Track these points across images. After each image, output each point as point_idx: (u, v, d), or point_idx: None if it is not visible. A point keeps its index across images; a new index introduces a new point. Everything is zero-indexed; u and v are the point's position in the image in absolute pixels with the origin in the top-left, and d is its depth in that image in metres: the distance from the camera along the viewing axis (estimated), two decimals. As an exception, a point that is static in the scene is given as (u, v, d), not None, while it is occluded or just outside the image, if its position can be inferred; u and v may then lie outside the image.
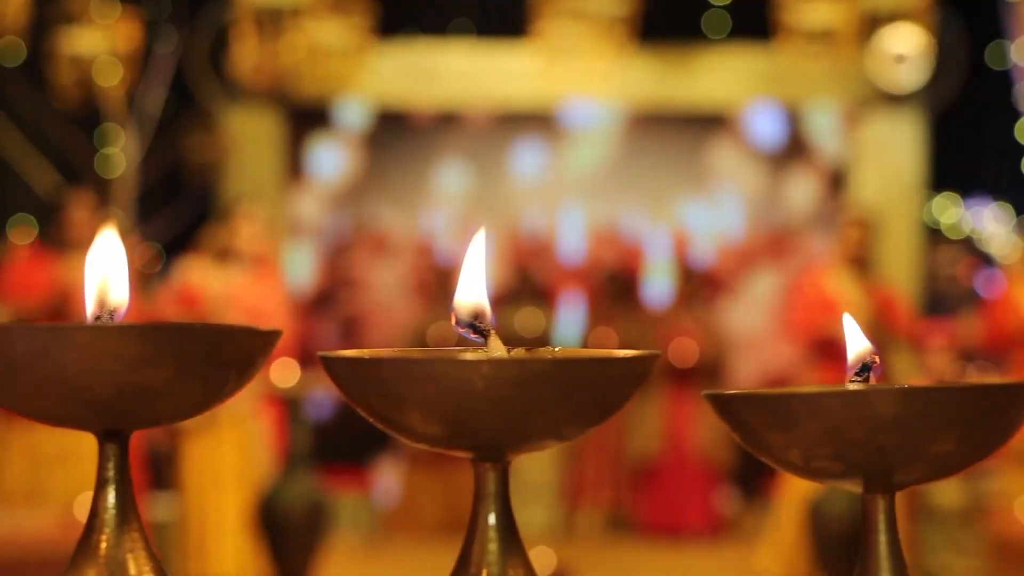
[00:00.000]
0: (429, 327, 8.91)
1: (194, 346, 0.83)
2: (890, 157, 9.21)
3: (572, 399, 0.82)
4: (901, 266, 9.29)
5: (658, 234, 10.05)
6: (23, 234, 8.27)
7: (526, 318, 8.91)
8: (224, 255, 6.21)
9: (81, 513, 5.85)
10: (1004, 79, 9.28)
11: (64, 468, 5.97)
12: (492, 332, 0.91)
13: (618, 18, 7.77)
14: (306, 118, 9.80)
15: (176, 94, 9.24)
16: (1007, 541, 5.63)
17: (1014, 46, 8.99)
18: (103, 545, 0.86)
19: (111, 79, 8.35)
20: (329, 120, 10.11)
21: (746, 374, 9.63)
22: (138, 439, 6.31)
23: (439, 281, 9.21)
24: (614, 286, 9.24)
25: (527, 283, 9.15)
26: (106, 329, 0.81)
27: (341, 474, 8.57)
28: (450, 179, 10.20)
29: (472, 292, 0.93)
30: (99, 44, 8.04)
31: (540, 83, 9.31)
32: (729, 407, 0.87)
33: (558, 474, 8.93)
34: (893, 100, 9.21)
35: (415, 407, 0.82)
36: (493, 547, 0.86)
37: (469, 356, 0.82)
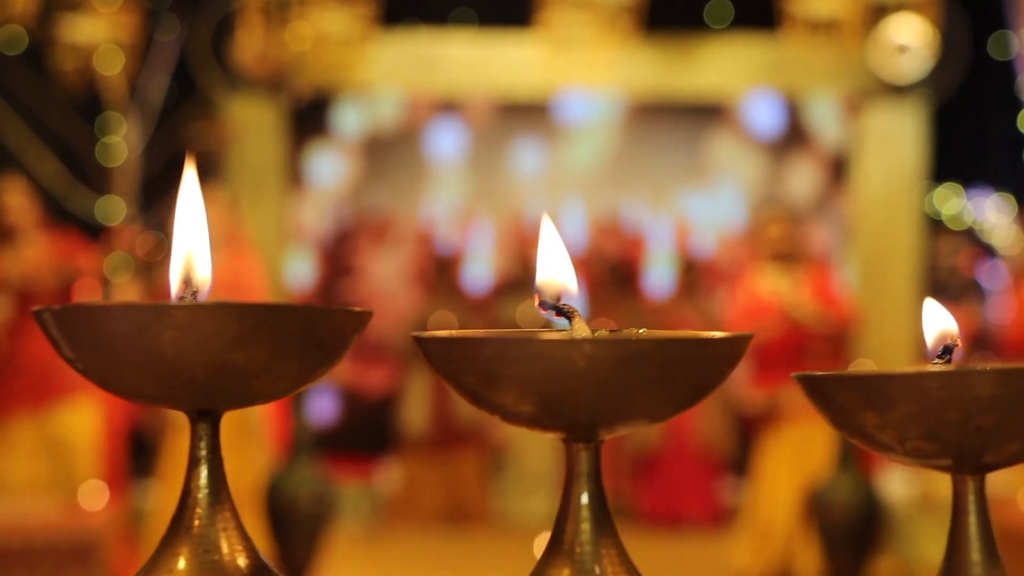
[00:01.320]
0: (430, 316, 8.91)
1: (292, 326, 0.83)
2: (892, 148, 9.21)
3: (671, 379, 0.83)
4: (902, 257, 9.29)
5: (659, 225, 10.06)
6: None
7: (528, 309, 8.91)
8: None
9: (86, 501, 5.85)
10: (1007, 70, 9.28)
11: (67, 457, 5.96)
12: (577, 314, 0.91)
13: (623, 7, 7.77)
14: (309, 106, 9.78)
15: (178, 83, 9.22)
16: (1009, 532, 5.64)
17: (1016, 37, 9.00)
18: (196, 524, 0.86)
19: (113, 67, 8.33)
20: (331, 109, 10.09)
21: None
22: (124, 425, 6.28)
23: (439, 270, 9.21)
24: (615, 276, 9.25)
25: (529, 273, 9.17)
26: (206, 308, 0.81)
27: (342, 464, 8.56)
28: (451, 169, 10.20)
29: (555, 273, 0.93)
30: (101, 32, 8.02)
31: (543, 73, 9.30)
32: (821, 388, 0.87)
33: (558, 463, 8.94)
34: (895, 91, 9.21)
35: (513, 386, 0.82)
36: (586, 526, 0.86)
37: (569, 335, 0.82)
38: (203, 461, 0.87)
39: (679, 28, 9.33)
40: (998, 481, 6.89)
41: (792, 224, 6.53)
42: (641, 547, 7.92)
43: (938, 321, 0.95)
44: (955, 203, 9.30)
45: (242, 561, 0.85)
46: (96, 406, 5.98)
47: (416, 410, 8.72)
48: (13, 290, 5.81)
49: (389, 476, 9.01)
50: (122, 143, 8.92)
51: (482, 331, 0.85)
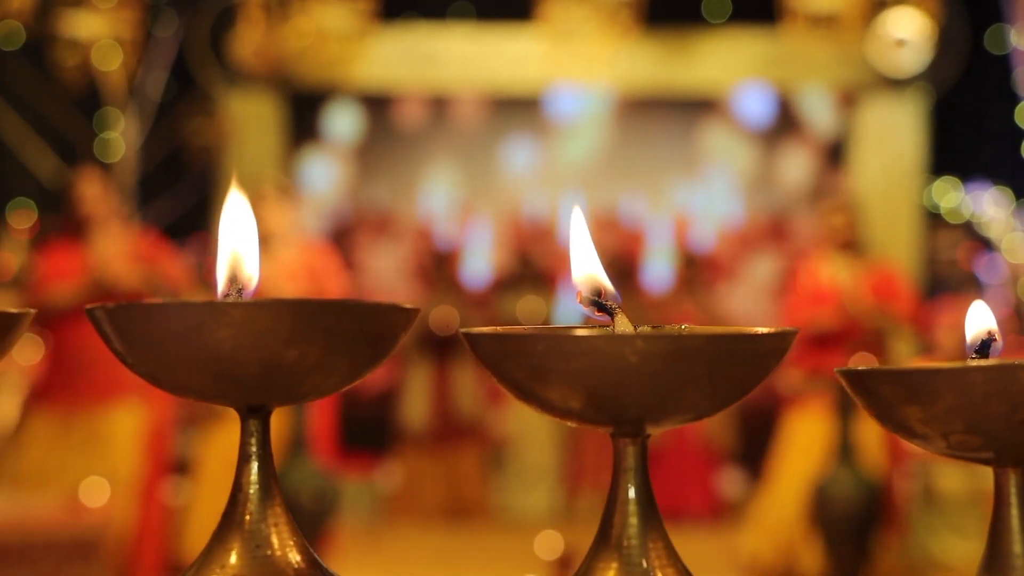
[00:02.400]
0: (431, 311, 8.91)
1: (344, 322, 0.84)
2: (890, 141, 9.23)
3: (719, 374, 0.84)
4: (901, 250, 9.31)
5: (658, 219, 10.06)
6: (22, 218, 8.24)
7: (527, 304, 8.92)
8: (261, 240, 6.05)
9: (87, 497, 5.85)
10: (1004, 63, 9.29)
11: (72, 453, 5.94)
12: (619, 309, 0.92)
13: (623, 2, 7.77)
14: (307, 101, 9.77)
15: (176, 78, 9.22)
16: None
17: (1014, 30, 9.01)
18: (247, 519, 0.87)
19: (111, 63, 8.33)
20: (329, 104, 10.08)
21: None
22: (170, 424, 6.26)
23: (439, 265, 9.21)
24: (614, 271, 9.25)
25: (527, 268, 9.16)
26: (261, 305, 0.82)
27: (343, 459, 8.57)
28: (449, 164, 10.19)
29: (587, 269, 0.94)
30: (100, 28, 8.02)
31: (542, 68, 9.31)
32: (864, 382, 0.88)
33: (559, 458, 8.95)
34: (894, 84, 9.23)
35: (563, 381, 0.83)
36: (633, 520, 0.87)
37: (621, 331, 0.83)
38: (253, 457, 0.88)
39: (678, 22, 9.34)
40: (992, 473, 6.90)
41: (854, 213, 6.53)
42: (642, 541, 7.92)
43: (980, 319, 0.96)
44: (953, 196, 9.31)
45: (293, 557, 0.86)
46: (143, 405, 5.96)
47: (416, 406, 8.73)
48: (93, 284, 5.75)
49: (390, 472, 9.02)
50: (120, 139, 8.92)
51: (531, 327, 0.86)
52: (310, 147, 10.22)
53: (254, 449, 0.87)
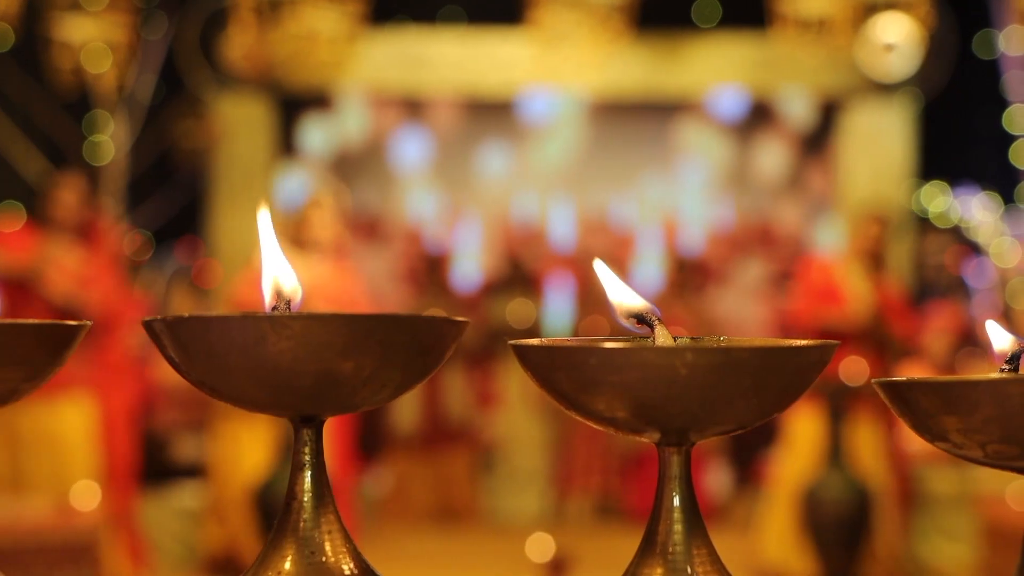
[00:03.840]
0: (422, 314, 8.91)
1: (399, 335, 0.86)
2: (879, 146, 9.26)
3: (765, 386, 0.86)
4: (889, 254, 9.32)
5: (647, 222, 10.08)
6: (10, 221, 8.21)
7: (517, 308, 8.93)
8: (301, 245, 6.03)
9: (77, 502, 5.84)
10: (993, 68, 9.34)
11: (50, 456, 5.90)
12: (658, 322, 0.94)
13: (614, 7, 7.79)
14: (297, 105, 9.77)
15: (166, 81, 9.20)
16: (998, 528, 5.69)
17: (1002, 35, 9.06)
18: (301, 527, 0.89)
19: (101, 65, 8.31)
20: (320, 108, 10.07)
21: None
22: (126, 423, 6.23)
23: (429, 268, 9.21)
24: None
25: (517, 271, 9.16)
26: (319, 319, 0.84)
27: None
28: (437, 167, 10.19)
29: (624, 288, 0.96)
30: (89, 30, 7.99)
31: (531, 72, 9.33)
32: (903, 393, 0.90)
33: (548, 461, 8.96)
34: (882, 89, 9.26)
35: (613, 393, 0.84)
36: (679, 527, 0.89)
37: (669, 343, 0.85)
38: (307, 466, 0.90)
39: (668, 27, 9.36)
40: (986, 477, 6.93)
41: (888, 228, 6.61)
42: (631, 544, 7.93)
43: (1002, 335, 0.98)
44: (942, 201, 9.35)
45: (346, 564, 0.88)
46: (92, 402, 5.94)
47: (406, 409, 8.73)
48: (27, 271, 5.74)
49: (380, 476, 9.02)
50: (109, 141, 8.90)
51: (580, 339, 0.88)
52: (299, 150, 10.21)
53: (308, 458, 0.89)
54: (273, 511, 5.64)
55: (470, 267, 10.04)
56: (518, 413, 8.83)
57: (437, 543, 8.20)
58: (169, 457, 7.19)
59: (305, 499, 0.89)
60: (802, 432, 6.33)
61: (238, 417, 6.29)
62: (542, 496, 8.90)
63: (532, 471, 8.88)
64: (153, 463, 7.01)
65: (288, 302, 0.92)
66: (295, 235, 6.03)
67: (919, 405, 0.89)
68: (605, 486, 8.84)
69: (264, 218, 0.97)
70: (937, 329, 7.44)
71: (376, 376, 0.86)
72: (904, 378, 0.89)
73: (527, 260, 9.32)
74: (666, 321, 0.95)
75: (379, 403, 0.89)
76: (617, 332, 0.99)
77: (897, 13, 8.23)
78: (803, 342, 0.89)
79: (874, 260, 6.46)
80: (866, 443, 6.12)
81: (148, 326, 0.87)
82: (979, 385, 0.86)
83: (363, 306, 5.97)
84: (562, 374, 0.86)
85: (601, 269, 0.99)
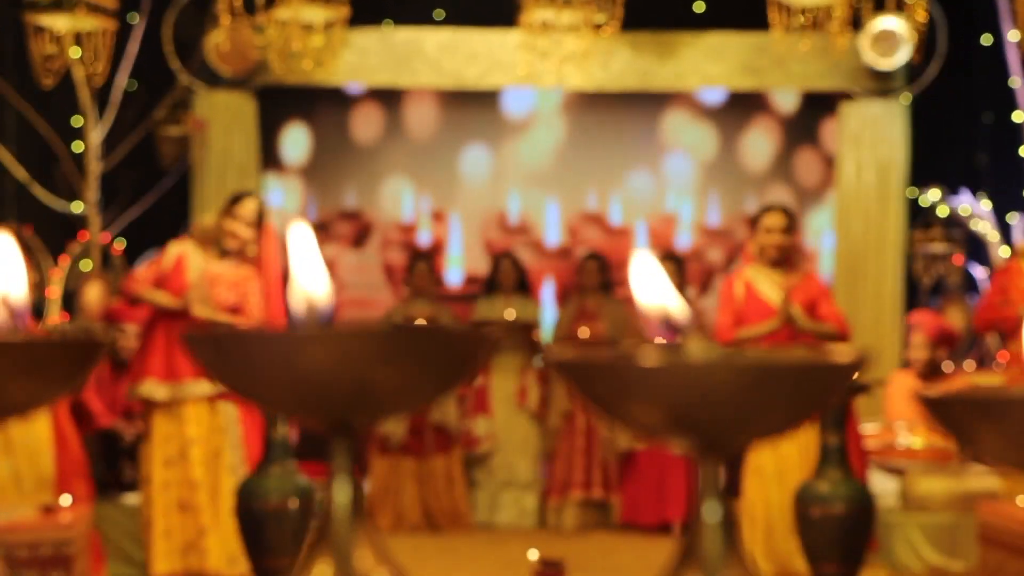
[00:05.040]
0: (397, 311, 8.89)
1: (433, 348, 0.87)
2: (876, 144, 9.24)
3: (799, 397, 0.87)
4: (886, 254, 9.33)
5: (634, 218, 10.05)
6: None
7: (509, 308, 8.86)
8: (216, 246, 6.05)
9: (61, 508, 5.76)
10: (991, 67, 9.36)
11: (27, 459, 5.82)
12: (694, 330, 0.93)
13: (607, 3, 7.77)
14: (280, 100, 9.71)
15: (148, 71, 9.14)
16: (999, 535, 5.66)
17: (1001, 34, 9.09)
18: (336, 533, 0.90)
19: (81, 57, 8.25)
20: (302, 103, 10.02)
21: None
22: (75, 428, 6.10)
23: (411, 267, 9.16)
24: (600, 270, 9.13)
25: (509, 271, 9.10)
26: (354, 331, 0.85)
27: (316, 466, 8.54)
28: (423, 164, 10.14)
29: (659, 296, 0.96)
30: (70, 21, 7.93)
31: (521, 68, 9.31)
32: (944, 409, 0.90)
33: (543, 467, 8.93)
34: (880, 87, 9.26)
35: (651, 403, 0.86)
36: (715, 536, 0.90)
37: (703, 357, 0.85)
38: (341, 473, 0.91)
39: (661, 24, 9.34)
40: (991, 484, 6.94)
41: (792, 222, 6.34)
42: (626, 550, 7.75)
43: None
44: (939, 201, 9.34)
45: (380, 569, 0.89)
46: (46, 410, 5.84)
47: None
48: None
49: (365, 482, 8.99)
50: (90, 134, 8.85)
51: (615, 353, 0.88)
52: (283, 144, 10.15)
53: (342, 465, 0.90)
54: (254, 518, 5.53)
55: (456, 265, 10.02)
56: (506, 419, 8.81)
57: (420, 547, 8.13)
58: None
59: (340, 508, 0.90)
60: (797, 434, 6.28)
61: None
62: (531, 503, 8.85)
63: (527, 477, 8.84)
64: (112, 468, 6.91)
65: (320, 314, 0.92)
66: (210, 235, 6.07)
67: (961, 422, 0.89)
68: (601, 492, 8.78)
69: (300, 230, 0.97)
70: (917, 343, 7.42)
71: (408, 386, 0.87)
72: (942, 394, 0.90)
73: (513, 258, 9.26)
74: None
75: (411, 410, 0.90)
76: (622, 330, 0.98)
77: (895, 11, 8.23)
78: (839, 356, 0.89)
79: (779, 258, 6.21)
80: (858, 449, 6.04)
81: (189, 340, 0.89)
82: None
83: (255, 314, 5.92)
84: (601, 384, 0.87)
85: (647, 263, 0.98)
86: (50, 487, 5.64)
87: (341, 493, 0.89)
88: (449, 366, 0.88)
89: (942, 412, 0.90)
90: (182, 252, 6.02)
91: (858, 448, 6.43)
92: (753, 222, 6.26)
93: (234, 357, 0.86)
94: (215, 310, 5.86)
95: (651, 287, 0.97)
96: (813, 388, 0.87)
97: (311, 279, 0.93)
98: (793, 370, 0.86)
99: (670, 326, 0.95)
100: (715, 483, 0.90)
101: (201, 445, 5.97)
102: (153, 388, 5.90)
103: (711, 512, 0.90)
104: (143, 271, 6.07)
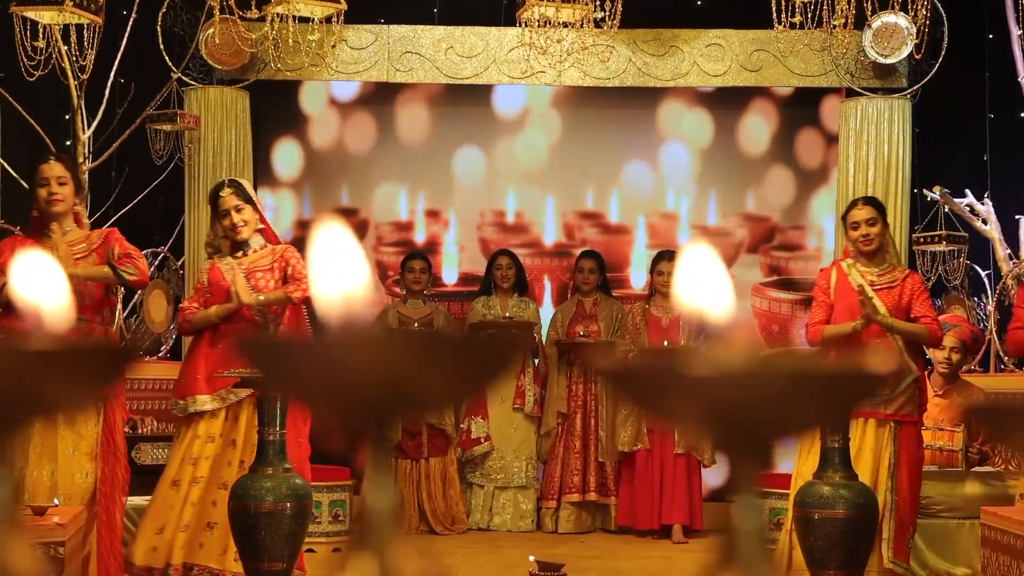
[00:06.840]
0: (392, 311, 8.89)
1: (469, 350, 0.89)
2: (880, 144, 9.22)
3: (830, 400, 0.89)
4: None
5: (633, 214, 10.02)
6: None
7: (508, 306, 8.84)
8: (229, 247, 6.29)
9: (60, 508, 5.71)
10: (998, 67, 9.36)
11: (66, 467, 5.80)
12: (722, 337, 0.93)
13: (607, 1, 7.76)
14: (274, 97, 9.68)
15: (139, 69, 9.11)
16: (1002, 539, 5.64)
17: (1008, 34, 9.10)
18: (371, 531, 0.91)
19: (73, 50, 8.22)
20: (297, 99, 9.99)
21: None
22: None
23: (405, 266, 9.15)
24: (599, 268, 9.12)
25: (506, 270, 9.07)
26: (391, 333, 0.87)
27: (312, 469, 8.50)
28: (417, 163, 10.10)
29: (697, 299, 0.96)
30: (62, 14, 7.89)
31: (516, 67, 9.30)
32: (983, 414, 0.88)
33: (541, 470, 8.92)
34: (885, 86, 9.25)
35: (692, 403, 0.87)
36: (749, 536, 0.90)
37: (737, 363, 0.85)
38: (377, 472, 0.92)
39: (663, 21, 9.32)
40: (1000, 490, 6.94)
41: (883, 216, 6.30)
42: (624, 553, 7.73)
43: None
44: (941, 200, 9.33)
45: (416, 566, 0.91)
46: None
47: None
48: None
49: (359, 485, 8.93)
50: (80, 129, 8.81)
51: (655, 355, 0.87)
52: (276, 139, 10.10)
53: (380, 465, 0.91)
54: (249, 520, 5.50)
55: (450, 265, 9.98)
56: (504, 421, 8.79)
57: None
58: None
59: (375, 505, 0.91)
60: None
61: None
62: (534, 505, 8.84)
63: (517, 480, 8.82)
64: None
65: (351, 319, 0.91)
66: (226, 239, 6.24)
67: (1005, 423, 0.87)
68: (599, 495, 8.76)
69: (337, 230, 0.95)
70: (952, 340, 7.39)
71: (442, 387, 0.88)
72: (991, 403, 0.89)
73: (511, 257, 9.23)
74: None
75: (444, 406, 0.90)
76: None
77: (899, 9, 8.22)
78: (871, 368, 0.88)
79: (871, 250, 6.20)
80: (864, 450, 5.99)
81: (241, 347, 0.92)
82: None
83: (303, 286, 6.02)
84: (640, 385, 0.89)
85: (701, 256, 0.97)
86: (87, 497, 5.62)
87: (379, 492, 0.91)
88: (482, 367, 0.90)
89: (986, 418, 0.89)
90: (210, 264, 6.23)
91: None
92: (843, 219, 6.30)
93: (284, 363, 0.89)
94: (266, 296, 6.02)
95: (698, 285, 0.97)
96: (848, 391, 0.89)
97: (351, 282, 0.93)
98: (830, 377, 0.87)
99: (705, 330, 0.95)
100: (751, 481, 0.91)
101: (218, 442, 6.06)
102: (203, 403, 6.04)
103: (748, 509, 0.89)
104: (187, 303, 6.30)
